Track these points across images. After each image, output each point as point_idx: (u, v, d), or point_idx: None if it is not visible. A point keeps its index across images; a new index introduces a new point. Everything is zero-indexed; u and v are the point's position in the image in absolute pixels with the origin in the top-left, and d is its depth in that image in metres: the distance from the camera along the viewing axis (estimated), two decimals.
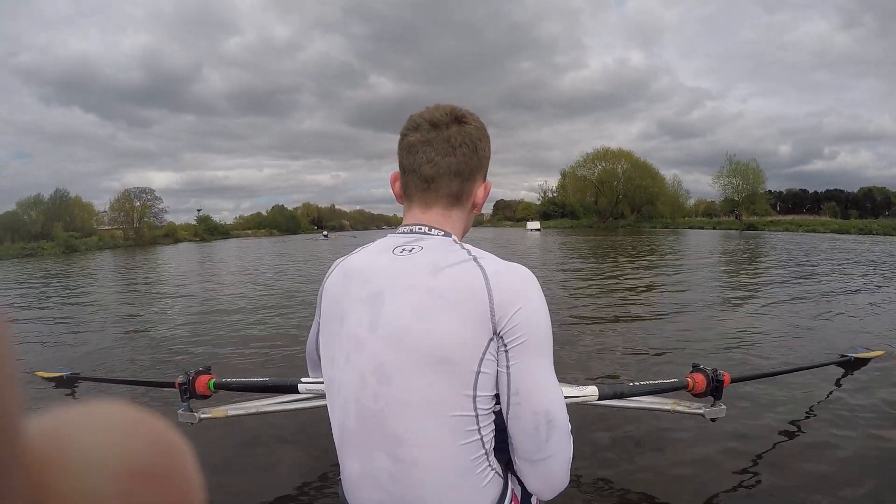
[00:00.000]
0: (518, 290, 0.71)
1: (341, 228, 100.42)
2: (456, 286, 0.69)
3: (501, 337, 0.69)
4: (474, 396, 0.70)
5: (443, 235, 0.78)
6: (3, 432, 0.09)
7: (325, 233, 54.05)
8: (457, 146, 0.78)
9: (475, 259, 0.72)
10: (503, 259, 0.75)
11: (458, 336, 0.68)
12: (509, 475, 0.79)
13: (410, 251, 0.75)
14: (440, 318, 0.68)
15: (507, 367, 0.70)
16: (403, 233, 0.80)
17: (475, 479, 0.71)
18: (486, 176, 0.84)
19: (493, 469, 0.74)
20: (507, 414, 0.71)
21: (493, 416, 0.74)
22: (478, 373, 0.69)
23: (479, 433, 0.71)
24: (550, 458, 0.71)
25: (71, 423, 0.11)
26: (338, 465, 0.79)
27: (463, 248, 0.75)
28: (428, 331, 0.69)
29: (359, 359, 0.72)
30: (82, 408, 0.12)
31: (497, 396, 0.74)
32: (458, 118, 0.79)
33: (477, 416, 0.70)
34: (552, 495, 0.74)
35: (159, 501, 0.11)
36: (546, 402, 0.70)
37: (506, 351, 0.69)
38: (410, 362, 0.69)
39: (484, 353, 0.69)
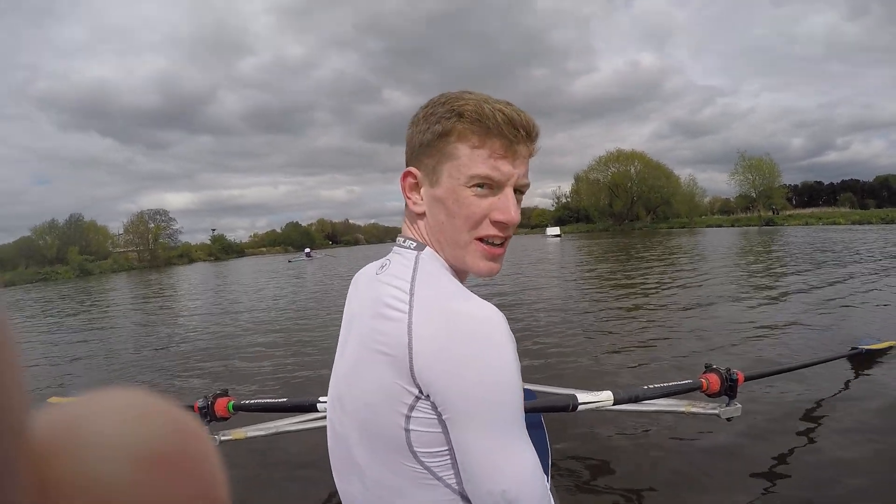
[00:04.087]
0: (446, 344, 0.55)
1: (356, 242, 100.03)
2: (384, 327, 0.59)
3: (431, 400, 0.57)
4: (414, 454, 0.59)
5: (413, 248, 0.67)
6: (7, 426, 0.09)
7: (307, 250, 36.28)
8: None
9: (411, 294, 0.59)
10: (465, 293, 0.60)
11: (380, 390, 0.59)
12: None
13: (381, 274, 0.66)
14: (368, 365, 0.60)
15: (449, 440, 0.57)
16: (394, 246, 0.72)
17: None
18: (419, 164, 0.67)
19: None
20: (465, 488, 0.58)
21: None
22: (408, 431, 0.58)
23: (442, 482, 0.60)
24: None
25: (85, 410, 0.11)
26: None
27: (415, 271, 0.63)
28: (359, 377, 0.62)
29: (334, 381, 0.70)
30: (96, 395, 0.12)
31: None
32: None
33: (430, 469, 0.59)
34: None
35: (178, 487, 0.11)
36: (502, 481, 0.54)
37: (442, 421, 0.57)
38: (353, 405, 0.64)
39: (410, 412, 0.57)
